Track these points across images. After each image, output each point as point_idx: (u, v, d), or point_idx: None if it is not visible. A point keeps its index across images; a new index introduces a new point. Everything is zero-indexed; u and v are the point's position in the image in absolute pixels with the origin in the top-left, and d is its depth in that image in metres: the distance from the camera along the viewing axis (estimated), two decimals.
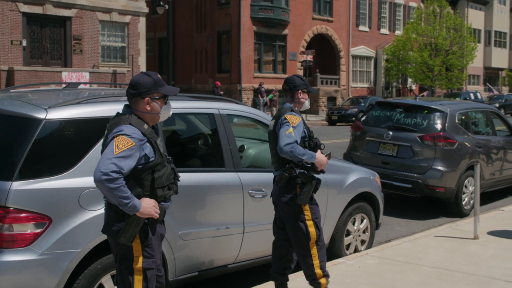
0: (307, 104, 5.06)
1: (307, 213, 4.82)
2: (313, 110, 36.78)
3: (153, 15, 31.21)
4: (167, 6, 27.75)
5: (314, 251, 4.84)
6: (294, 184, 4.77)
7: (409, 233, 8.23)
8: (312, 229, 4.82)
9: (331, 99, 38.91)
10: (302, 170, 4.78)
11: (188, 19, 37.71)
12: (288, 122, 4.69)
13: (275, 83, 36.09)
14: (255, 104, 32.35)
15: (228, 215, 5.32)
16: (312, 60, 37.67)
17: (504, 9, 60.64)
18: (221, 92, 31.79)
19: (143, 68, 27.90)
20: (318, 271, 4.85)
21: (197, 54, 37.40)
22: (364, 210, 6.76)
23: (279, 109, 4.99)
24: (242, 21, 34.95)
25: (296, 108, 4.96)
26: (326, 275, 4.91)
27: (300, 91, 4.98)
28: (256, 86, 33.81)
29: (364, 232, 6.87)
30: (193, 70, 37.55)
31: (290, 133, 4.63)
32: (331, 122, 32.44)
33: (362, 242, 6.90)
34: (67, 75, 23.80)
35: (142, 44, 27.85)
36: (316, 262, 4.85)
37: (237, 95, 34.54)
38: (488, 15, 58.15)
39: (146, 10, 27.84)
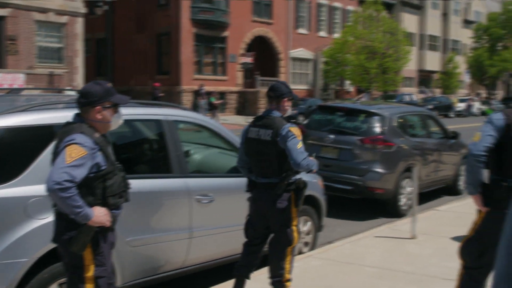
0: (289, 112, 5.12)
1: (296, 219, 4.98)
2: (253, 112, 37.00)
3: (91, 15, 30.68)
4: (107, 7, 27.34)
5: (289, 256, 5.01)
6: (289, 190, 4.89)
7: (350, 234, 8.44)
8: (295, 234, 4.99)
9: None
10: (298, 177, 4.93)
11: (127, 20, 37.27)
12: (295, 135, 4.75)
13: (216, 85, 36.12)
14: (195, 106, 32.25)
15: (176, 220, 5.36)
16: (252, 62, 37.92)
17: (437, 14, 62.69)
18: (161, 94, 31.55)
19: (80, 70, 27.40)
20: (287, 275, 5.01)
21: (136, 55, 37.02)
22: (307, 212, 6.91)
23: (268, 118, 4.97)
24: (181, 23, 34.83)
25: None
26: (290, 280, 5.06)
27: (286, 98, 5.01)
28: (196, 88, 33.73)
29: (307, 234, 7.03)
30: (133, 71, 37.13)
31: (302, 147, 4.74)
32: None
33: (306, 244, 7.05)
34: (1, 77, 23.10)
35: (79, 45, 27.34)
36: (288, 266, 5.02)
37: (177, 97, 34.39)
38: (422, 19, 59.97)
39: (83, 10, 27.35)
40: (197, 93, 32.96)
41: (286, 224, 4.95)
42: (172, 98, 32.98)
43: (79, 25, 27.21)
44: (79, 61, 27.36)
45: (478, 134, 4.33)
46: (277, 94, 5.00)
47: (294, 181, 4.92)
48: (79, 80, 27.34)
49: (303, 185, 4.98)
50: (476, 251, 4.45)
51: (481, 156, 4.25)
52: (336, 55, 43.22)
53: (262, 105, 37.82)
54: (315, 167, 4.88)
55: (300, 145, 4.75)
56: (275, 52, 41.79)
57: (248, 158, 5.14)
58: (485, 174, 4.38)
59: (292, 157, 4.72)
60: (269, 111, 5.02)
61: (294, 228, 5.00)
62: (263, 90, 38.14)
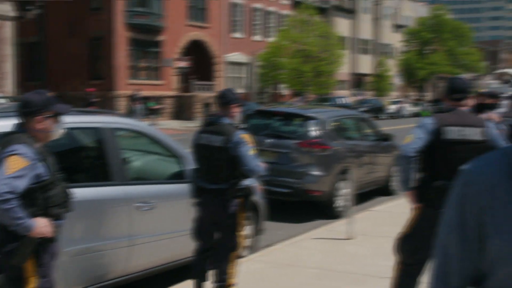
0: (238, 118, 5.26)
1: (242, 225, 5.13)
2: (189, 117, 36.92)
3: (22, 19, 29.86)
4: (39, 11, 26.67)
5: (233, 261, 5.13)
6: (238, 196, 5.02)
7: (289, 236, 8.57)
8: (241, 240, 5.14)
9: (207, 105, 39.27)
10: (246, 183, 5.06)
11: (60, 24, 36.44)
12: (247, 142, 4.90)
13: (151, 89, 35.85)
14: (131, 112, 31.90)
15: (116, 228, 5.34)
16: (188, 66, 37.83)
17: (368, 18, 64.28)
18: (96, 99, 31.07)
19: (11, 75, 26.62)
20: (231, 280, 5.10)
21: (70, 60, 36.25)
22: (248, 217, 6.99)
23: (218, 124, 5.07)
24: (115, 27, 34.41)
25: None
26: (234, 285, 5.18)
27: (234, 105, 5.13)
28: (132, 93, 33.37)
29: (248, 238, 7.11)
30: (66, 76, 36.34)
31: (254, 154, 4.90)
32: None
33: (247, 248, 7.14)
34: None
35: (9, 50, 26.55)
36: (231, 271, 5.13)
37: (112, 102, 33.91)
38: (354, 23, 61.35)
39: (13, 14, 26.58)
40: (132, 98, 32.60)
41: (233, 229, 5.06)
42: (106, 104, 32.51)
43: (8, 29, 26.43)
44: (9, 66, 26.58)
45: (410, 137, 4.58)
46: (225, 101, 5.14)
47: (243, 187, 5.05)
48: (9, 86, 26.57)
49: (250, 191, 5.12)
50: (411, 247, 4.66)
51: (411, 157, 4.53)
52: (272, 59, 43.65)
53: (198, 109, 37.78)
54: (264, 171, 5.05)
55: (252, 151, 4.90)
56: (211, 56, 41.85)
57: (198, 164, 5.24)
58: (419, 175, 4.66)
59: (245, 163, 4.86)
60: (218, 117, 5.15)
61: (240, 233, 5.12)
62: (200, 94, 38.16)
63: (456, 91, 4.67)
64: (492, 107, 7.36)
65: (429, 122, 4.56)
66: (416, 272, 4.72)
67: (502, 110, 7.87)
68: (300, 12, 45.13)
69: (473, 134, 4.49)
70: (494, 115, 6.84)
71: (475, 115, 4.84)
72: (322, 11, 51.78)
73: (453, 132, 4.48)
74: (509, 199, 1.37)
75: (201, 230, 5.28)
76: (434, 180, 4.52)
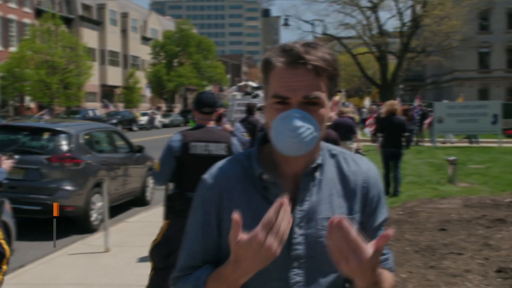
0: None
1: (0, 232, 4.95)
2: None
3: None
4: None
5: (4, 267, 5.03)
6: None
7: (44, 254, 8.29)
8: (6, 247, 4.98)
9: None
10: None
11: None
12: None
13: None
14: None
15: None
16: None
17: (116, 30, 64.18)
18: None
19: None
20: None
21: None
22: None
23: None
24: None
25: None
26: None
27: None
28: None
29: None
30: None
31: None
32: None
33: None
34: None
35: None
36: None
37: None
38: (102, 35, 60.77)
39: None
40: None
41: None
42: None
43: None
44: None
45: (159, 163, 4.87)
46: None
47: None
48: None
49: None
50: (163, 253, 4.95)
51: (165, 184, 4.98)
52: (14, 70, 41.26)
53: None
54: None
55: None
56: None
57: None
58: (171, 186, 4.96)
59: None
60: None
61: (2, 241, 5.01)
62: None
63: (205, 105, 5.04)
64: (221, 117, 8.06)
65: (176, 139, 4.88)
66: (168, 275, 5.01)
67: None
68: (43, 21, 43.35)
69: (217, 149, 4.90)
70: (227, 125, 7.51)
71: (221, 131, 5.27)
72: (67, 21, 50.40)
73: (199, 148, 4.85)
74: (242, 199, 1.66)
75: None
76: (184, 192, 4.85)
